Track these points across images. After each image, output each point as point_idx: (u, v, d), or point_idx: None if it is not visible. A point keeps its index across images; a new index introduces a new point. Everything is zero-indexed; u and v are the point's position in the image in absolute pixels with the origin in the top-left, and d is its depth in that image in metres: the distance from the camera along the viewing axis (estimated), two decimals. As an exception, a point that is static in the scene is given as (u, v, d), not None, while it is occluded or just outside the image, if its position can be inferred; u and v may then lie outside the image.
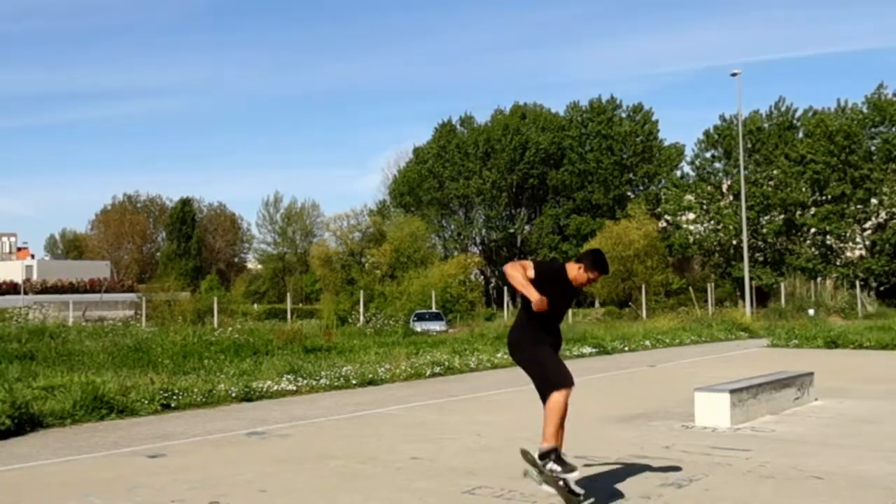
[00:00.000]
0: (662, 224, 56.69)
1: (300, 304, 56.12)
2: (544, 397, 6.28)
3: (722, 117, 56.88)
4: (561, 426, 6.18)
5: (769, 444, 9.34)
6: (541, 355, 6.35)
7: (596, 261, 6.64)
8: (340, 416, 11.74)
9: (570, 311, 42.15)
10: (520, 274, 6.14)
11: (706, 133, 57.23)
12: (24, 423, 11.06)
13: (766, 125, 54.90)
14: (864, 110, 50.53)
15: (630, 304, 44.46)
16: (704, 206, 54.52)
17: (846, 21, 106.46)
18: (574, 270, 6.49)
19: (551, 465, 6.09)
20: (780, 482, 7.52)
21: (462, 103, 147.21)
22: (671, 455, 8.57)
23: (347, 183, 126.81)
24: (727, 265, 53.59)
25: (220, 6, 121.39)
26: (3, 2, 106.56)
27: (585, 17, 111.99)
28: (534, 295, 6.02)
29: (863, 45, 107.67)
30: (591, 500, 6.44)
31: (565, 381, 6.19)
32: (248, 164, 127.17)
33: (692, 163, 58.90)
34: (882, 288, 48.69)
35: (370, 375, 15.89)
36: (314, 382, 15.40)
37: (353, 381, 15.44)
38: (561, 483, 6.09)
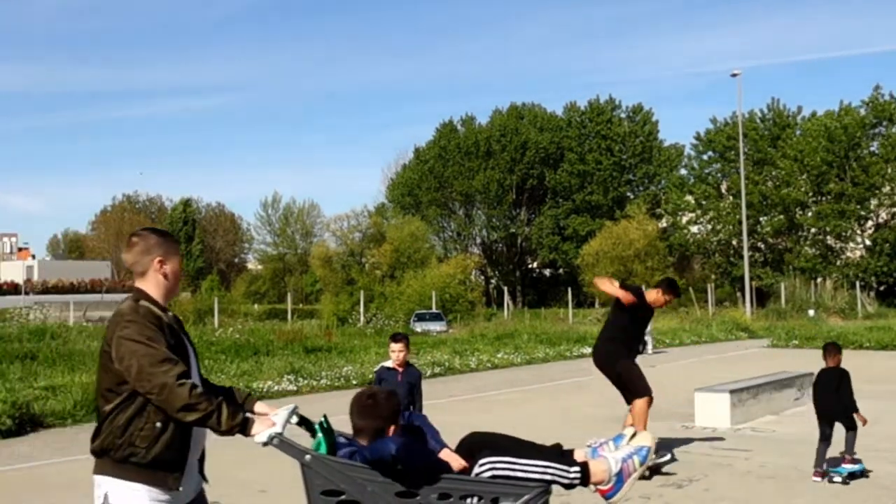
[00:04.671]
0: (663, 224, 56.63)
1: (300, 305, 56.12)
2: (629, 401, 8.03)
3: (713, 120, 56.96)
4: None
5: (769, 444, 9.35)
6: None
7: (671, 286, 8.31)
8: (341, 416, 11.74)
9: (570, 311, 42.21)
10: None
11: (697, 136, 57.27)
12: (25, 423, 11.08)
13: (760, 125, 54.87)
14: (863, 112, 50.45)
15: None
16: (704, 207, 54.47)
17: (845, 24, 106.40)
18: (653, 294, 8.10)
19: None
20: (780, 482, 7.53)
21: (463, 104, 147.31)
22: (671, 455, 8.58)
23: (348, 183, 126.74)
24: (727, 265, 53.58)
25: (219, 10, 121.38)
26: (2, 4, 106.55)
27: (586, 19, 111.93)
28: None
29: (860, 50, 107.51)
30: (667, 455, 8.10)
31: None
32: (247, 165, 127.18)
33: (688, 165, 58.96)
34: (882, 288, 48.64)
35: (370, 376, 15.90)
36: (315, 382, 15.43)
37: (354, 382, 15.45)
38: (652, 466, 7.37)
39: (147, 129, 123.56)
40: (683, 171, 59.51)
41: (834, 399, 7.47)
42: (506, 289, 53.07)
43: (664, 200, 58.15)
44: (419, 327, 32.86)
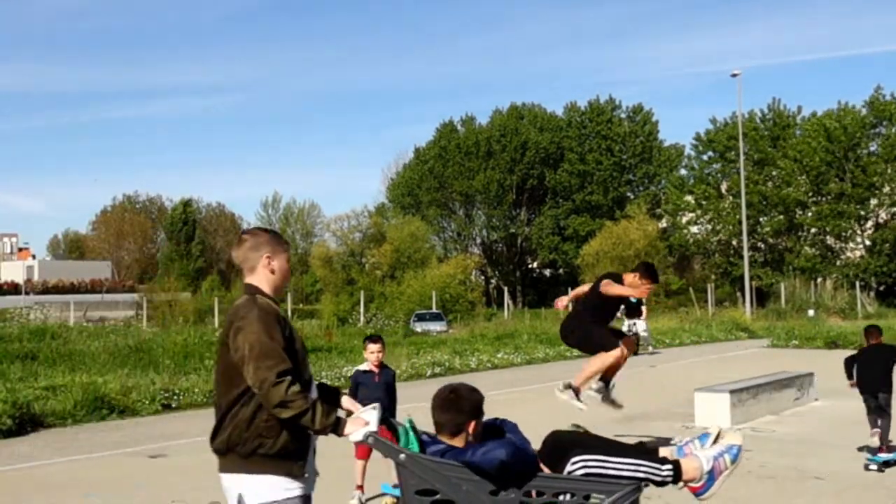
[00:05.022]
0: (663, 224, 56.59)
1: (301, 305, 56.05)
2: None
3: (713, 120, 56.83)
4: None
5: (769, 444, 9.36)
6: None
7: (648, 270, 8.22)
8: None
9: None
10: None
11: (697, 136, 57.16)
12: (26, 422, 11.10)
13: (760, 125, 54.82)
14: (864, 112, 50.41)
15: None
16: (704, 207, 54.42)
17: (845, 24, 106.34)
18: (630, 278, 8.00)
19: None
20: (780, 482, 7.54)
21: (463, 104, 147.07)
22: (671, 455, 8.58)
23: (348, 183, 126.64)
24: (727, 265, 53.56)
25: (219, 10, 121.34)
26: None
27: (586, 19, 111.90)
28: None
29: (860, 50, 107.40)
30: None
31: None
32: (247, 165, 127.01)
33: (688, 165, 58.92)
34: (882, 288, 48.62)
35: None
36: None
37: (354, 382, 15.44)
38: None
39: (147, 129, 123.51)
40: (683, 172, 59.49)
41: (881, 375, 8.17)
42: (506, 289, 53.04)
43: (664, 200, 58.13)
44: (419, 327, 32.88)
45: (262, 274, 3.43)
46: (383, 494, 6.96)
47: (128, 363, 17.15)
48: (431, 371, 17.72)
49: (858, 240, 50.60)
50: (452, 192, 63.37)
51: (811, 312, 37.14)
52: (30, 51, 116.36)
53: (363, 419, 3.26)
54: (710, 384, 12.02)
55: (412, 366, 17.73)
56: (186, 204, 78.07)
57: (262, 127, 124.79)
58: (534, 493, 3.32)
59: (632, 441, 3.83)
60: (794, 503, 6.86)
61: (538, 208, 64.17)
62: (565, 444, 3.58)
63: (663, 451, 3.63)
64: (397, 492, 6.89)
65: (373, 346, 6.91)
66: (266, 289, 3.40)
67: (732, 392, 10.76)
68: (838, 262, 49.68)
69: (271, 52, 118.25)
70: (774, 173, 51.93)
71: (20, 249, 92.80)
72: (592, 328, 8.06)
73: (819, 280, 47.13)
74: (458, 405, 3.47)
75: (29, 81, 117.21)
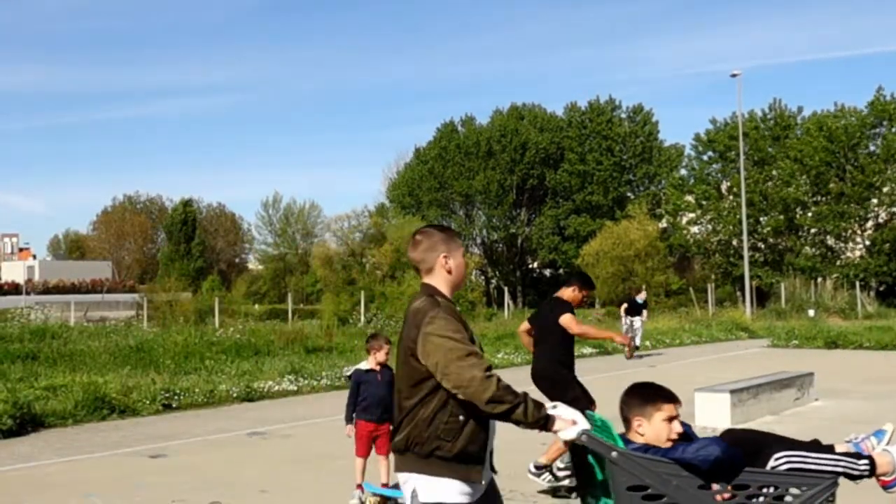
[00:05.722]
0: (663, 224, 56.56)
1: (301, 305, 56.04)
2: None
3: (713, 121, 56.75)
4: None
5: (769, 444, 9.35)
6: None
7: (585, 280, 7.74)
8: (341, 416, 11.75)
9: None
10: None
11: (697, 136, 57.11)
12: (26, 423, 11.10)
13: (760, 125, 54.79)
14: (864, 111, 50.40)
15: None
16: (704, 207, 54.41)
17: (845, 24, 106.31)
18: (568, 293, 7.54)
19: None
20: (780, 482, 7.52)
21: (463, 104, 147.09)
22: (671, 455, 8.56)
23: (348, 183, 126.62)
24: (727, 265, 53.55)
25: (220, 12, 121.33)
26: None
27: (586, 19, 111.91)
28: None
29: (860, 51, 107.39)
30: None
31: None
32: (248, 165, 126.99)
33: (688, 165, 58.88)
34: (882, 288, 48.61)
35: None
36: (315, 383, 15.44)
37: (354, 382, 15.45)
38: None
39: (148, 129, 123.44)
40: (683, 172, 59.48)
41: None
42: (506, 289, 53.02)
43: (664, 201, 58.13)
44: (420, 327, 32.83)
45: (440, 274, 3.40)
46: (374, 494, 7.01)
47: (128, 363, 17.16)
48: (431, 371, 17.69)
49: (858, 240, 50.61)
50: (452, 192, 63.36)
51: (811, 312, 37.13)
52: (30, 51, 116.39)
53: (570, 417, 3.27)
54: (710, 384, 12.02)
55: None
56: (186, 204, 78.05)
57: (262, 127, 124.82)
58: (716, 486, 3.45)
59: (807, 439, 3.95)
60: (794, 503, 6.86)
61: (538, 208, 64.16)
62: (760, 441, 3.72)
63: (839, 447, 3.76)
64: (382, 491, 6.94)
65: (387, 347, 7.10)
66: (444, 289, 3.39)
67: (732, 392, 10.76)
68: (838, 262, 49.67)
69: (271, 52, 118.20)
70: (774, 173, 51.92)
71: (21, 249, 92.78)
72: (569, 390, 7.46)
73: (819, 280, 47.11)
74: (624, 400, 3.61)
75: (29, 81, 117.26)
